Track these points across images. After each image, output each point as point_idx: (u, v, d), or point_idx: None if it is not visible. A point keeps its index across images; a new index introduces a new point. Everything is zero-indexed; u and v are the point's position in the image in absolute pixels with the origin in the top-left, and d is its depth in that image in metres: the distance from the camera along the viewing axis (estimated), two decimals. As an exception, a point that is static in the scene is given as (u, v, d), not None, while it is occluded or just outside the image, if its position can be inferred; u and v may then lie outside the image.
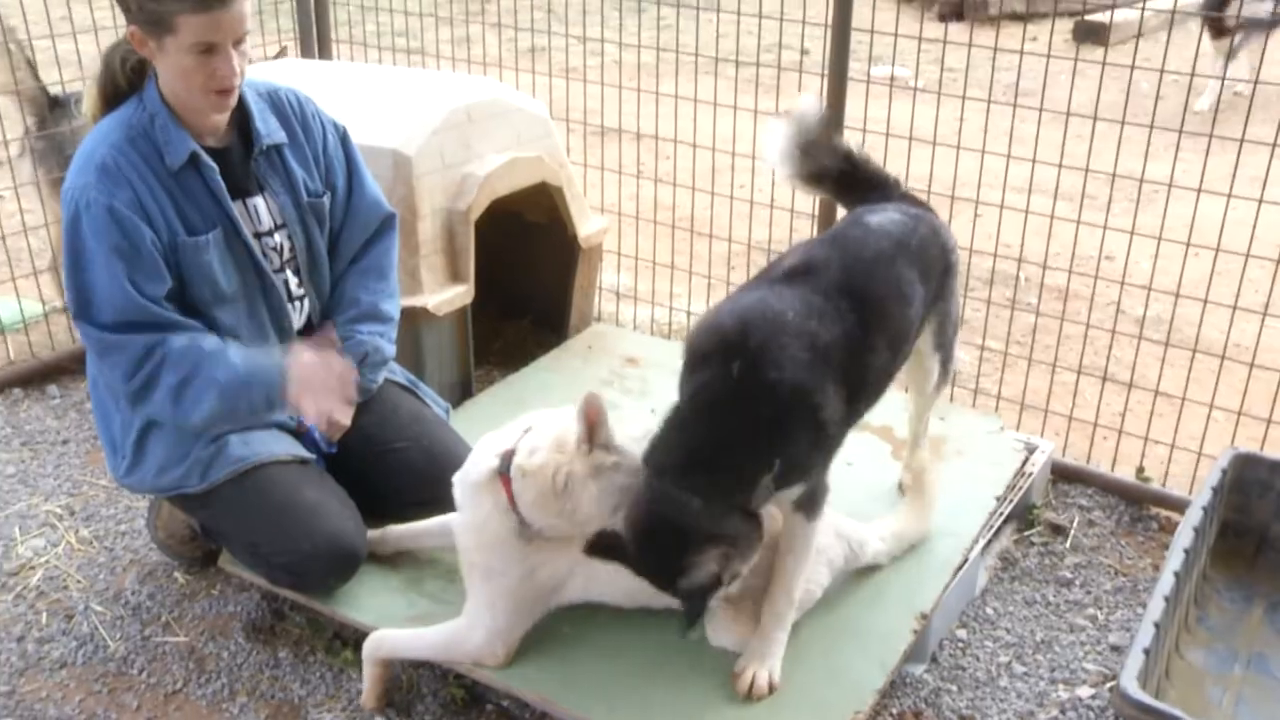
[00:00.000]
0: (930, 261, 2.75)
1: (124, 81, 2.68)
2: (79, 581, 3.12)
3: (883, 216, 2.74)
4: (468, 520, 2.59)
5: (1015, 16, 7.62)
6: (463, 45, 5.31)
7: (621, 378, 3.84)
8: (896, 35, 3.70)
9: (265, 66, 4.10)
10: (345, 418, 2.87)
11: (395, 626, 2.69)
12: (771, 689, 2.53)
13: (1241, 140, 3.19)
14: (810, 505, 2.52)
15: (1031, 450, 3.47)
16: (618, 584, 2.57)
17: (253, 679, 2.78)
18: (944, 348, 3.00)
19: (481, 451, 2.58)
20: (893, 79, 4.00)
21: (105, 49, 2.70)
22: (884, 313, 2.54)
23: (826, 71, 3.69)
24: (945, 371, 3.06)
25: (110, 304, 2.56)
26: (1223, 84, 3.21)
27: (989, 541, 3.14)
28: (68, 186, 2.60)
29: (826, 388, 2.35)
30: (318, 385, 2.73)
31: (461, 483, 2.60)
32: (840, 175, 2.92)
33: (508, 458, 2.48)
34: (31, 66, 4.19)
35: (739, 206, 4.16)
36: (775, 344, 2.32)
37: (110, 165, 2.57)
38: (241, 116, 2.77)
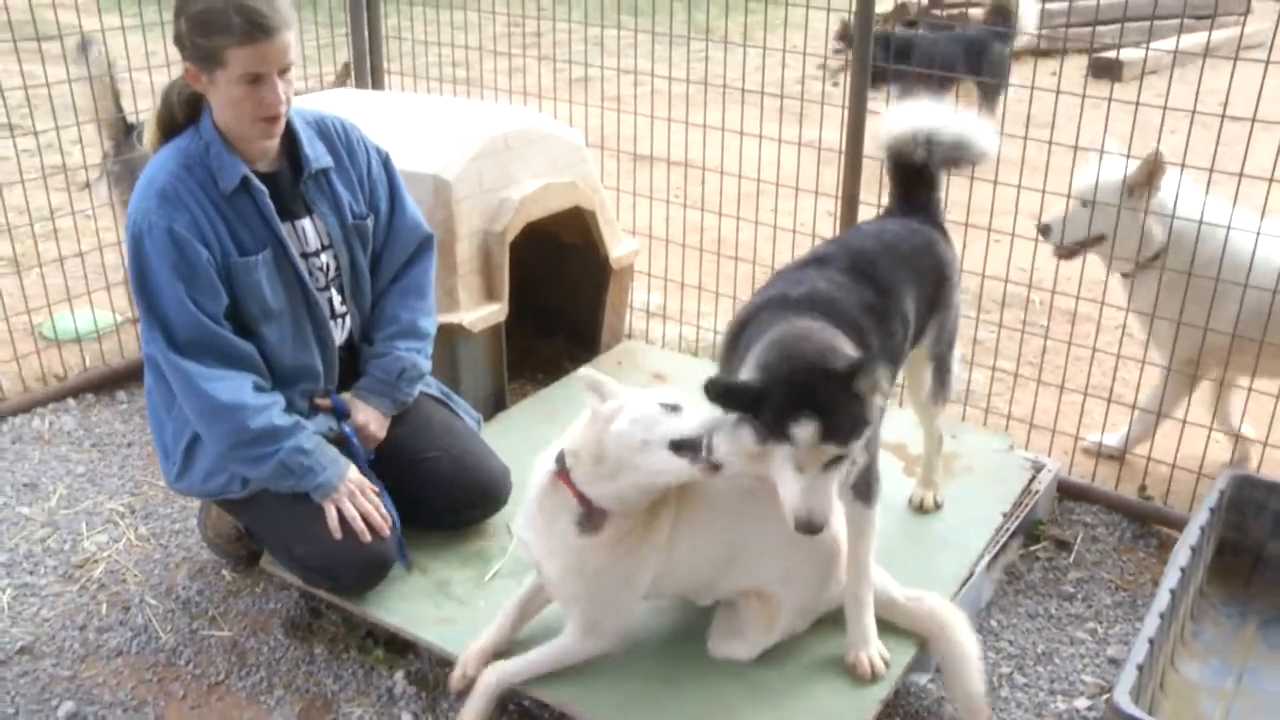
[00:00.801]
0: (922, 269, 2.73)
1: (180, 115, 2.70)
2: (136, 576, 3.14)
3: (879, 225, 2.83)
4: (545, 548, 2.48)
5: (1034, 53, 7.49)
6: (513, 76, 5.31)
7: (649, 392, 3.80)
8: (914, 70, 3.64)
9: (321, 93, 4.11)
10: (379, 431, 2.86)
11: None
12: (886, 664, 2.54)
13: (1240, 174, 3.10)
14: (865, 490, 2.49)
15: (1039, 468, 3.39)
16: (698, 577, 2.56)
17: (289, 673, 2.77)
18: (940, 358, 2.95)
19: (536, 472, 2.52)
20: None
21: (164, 87, 2.73)
22: (887, 292, 2.55)
23: (847, 104, 3.64)
24: (942, 383, 3.00)
25: (180, 324, 2.59)
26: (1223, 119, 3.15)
27: (995, 556, 3.07)
28: (131, 211, 2.62)
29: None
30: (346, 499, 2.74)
31: (527, 511, 2.54)
32: (917, 170, 2.89)
33: (560, 455, 2.45)
34: (116, 96, 4.23)
35: (764, 230, 4.12)
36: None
37: (169, 191, 2.59)
38: (290, 143, 2.77)
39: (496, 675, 2.50)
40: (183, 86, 2.66)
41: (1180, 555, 2.63)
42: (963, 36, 6.89)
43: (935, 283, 2.79)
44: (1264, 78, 2.97)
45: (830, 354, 2.16)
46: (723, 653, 2.59)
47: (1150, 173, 3.31)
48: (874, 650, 2.55)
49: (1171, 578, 2.55)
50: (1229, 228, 3.22)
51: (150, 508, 3.44)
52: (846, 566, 2.58)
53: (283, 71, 2.56)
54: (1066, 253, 3.56)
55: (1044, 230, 3.51)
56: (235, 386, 2.62)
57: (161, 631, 2.92)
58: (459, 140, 3.49)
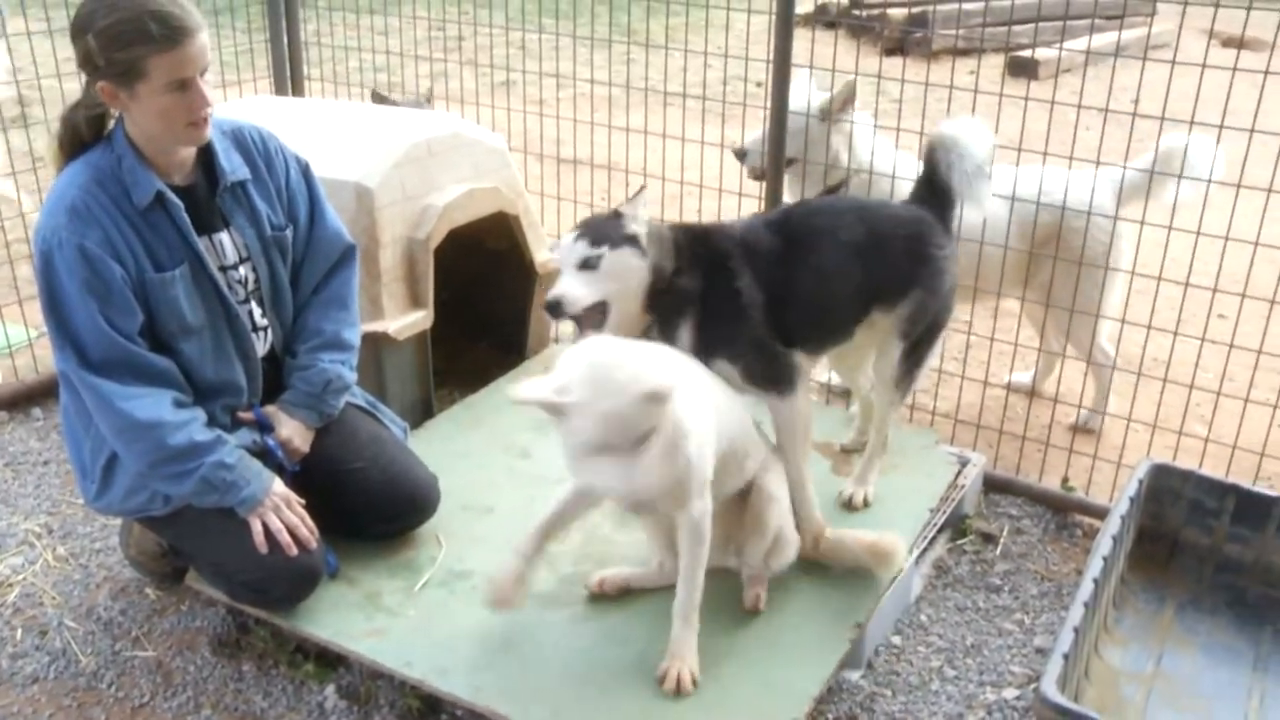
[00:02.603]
0: (889, 240, 2.94)
1: (88, 135, 2.62)
2: (54, 598, 3.06)
3: (862, 199, 3.26)
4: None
5: (954, 52, 7.65)
6: (435, 81, 5.28)
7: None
8: (834, 70, 3.69)
9: (280, 105, 4.05)
10: (303, 444, 2.83)
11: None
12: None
13: (1152, 171, 3.18)
14: (766, 381, 2.79)
15: (964, 463, 3.45)
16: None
17: (217, 692, 2.72)
18: (913, 345, 3.02)
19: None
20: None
21: (63, 113, 2.62)
22: (810, 246, 2.85)
23: (769, 104, 3.67)
24: (908, 373, 3.07)
25: (93, 343, 2.52)
26: (1134, 119, 3.31)
27: (923, 551, 3.11)
28: (39, 227, 2.54)
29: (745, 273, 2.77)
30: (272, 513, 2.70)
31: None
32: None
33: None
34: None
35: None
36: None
37: (80, 207, 2.52)
38: (206, 154, 2.72)
39: (681, 614, 2.51)
40: (89, 107, 2.58)
41: (1102, 544, 2.68)
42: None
43: (912, 258, 2.95)
44: (1170, 78, 3.05)
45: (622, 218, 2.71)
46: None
47: (845, 100, 3.58)
48: (813, 521, 2.88)
49: (1095, 567, 2.60)
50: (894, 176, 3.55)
51: (69, 527, 3.36)
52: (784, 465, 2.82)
53: (202, 73, 2.52)
54: (759, 173, 3.77)
55: (740, 154, 3.60)
56: (152, 404, 2.57)
57: (81, 654, 2.85)
58: (381, 147, 3.45)
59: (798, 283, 2.83)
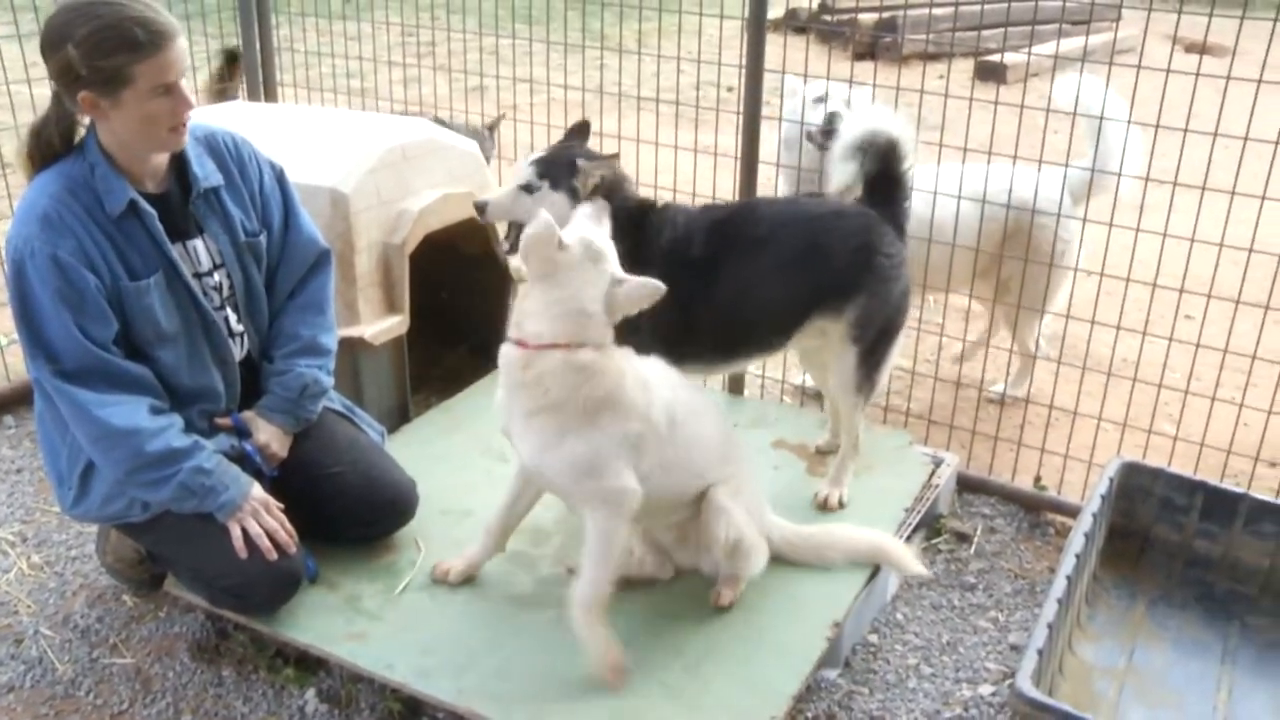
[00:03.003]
0: (831, 249, 3.01)
1: (60, 146, 2.61)
2: (29, 606, 3.04)
3: (816, 201, 3.23)
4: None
5: (923, 56, 7.73)
6: (408, 86, 5.28)
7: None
8: (806, 75, 3.73)
9: (254, 111, 4.04)
10: (280, 449, 2.84)
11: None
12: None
13: (1119, 174, 3.24)
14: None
15: (938, 463, 3.49)
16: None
17: (197, 698, 2.72)
18: (861, 341, 3.06)
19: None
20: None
21: (33, 127, 2.60)
22: (742, 253, 3.01)
23: (741, 109, 3.70)
24: (866, 377, 3.11)
25: (67, 353, 2.51)
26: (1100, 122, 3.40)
27: (898, 549, 3.15)
28: (11, 237, 2.53)
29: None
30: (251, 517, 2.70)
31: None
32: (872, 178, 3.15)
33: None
34: None
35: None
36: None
37: (53, 216, 2.51)
38: (179, 161, 2.72)
39: (585, 606, 2.52)
40: (60, 119, 2.57)
41: (1075, 542, 2.73)
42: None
43: (857, 266, 2.99)
44: (1136, 82, 3.11)
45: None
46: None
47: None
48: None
49: (1067, 564, 2.64)
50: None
51: (43, 535, 3.35)
52: None
53: (181, 75, 2.53)
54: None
55: (480, 208, 3.40)
56: (129, 411, 2.57)
57: (58, 662, 2.84)
58: (356, 153, 3.46)
59: (719, 287, 2.98)
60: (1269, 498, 2.94)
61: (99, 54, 2.41)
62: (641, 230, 2.99)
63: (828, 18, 10.08)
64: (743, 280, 2.99)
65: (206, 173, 2.75)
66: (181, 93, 2.52)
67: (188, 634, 2.91)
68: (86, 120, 2.59)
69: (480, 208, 3.13)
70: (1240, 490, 2.95)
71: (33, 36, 4.01)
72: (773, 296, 3.02)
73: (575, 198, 2.93)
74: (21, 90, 4.06)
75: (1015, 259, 3.61)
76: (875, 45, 8.39)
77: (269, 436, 2.85)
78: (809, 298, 3.03)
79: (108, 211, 2.56)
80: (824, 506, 3.22)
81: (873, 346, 3.08)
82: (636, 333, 2.73)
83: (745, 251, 3.01)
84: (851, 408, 3.18)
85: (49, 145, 2.60)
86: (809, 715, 2.70)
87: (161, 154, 2.65)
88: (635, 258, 2.75)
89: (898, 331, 3.14)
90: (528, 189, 3.01)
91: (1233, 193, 3.03)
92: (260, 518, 2.68)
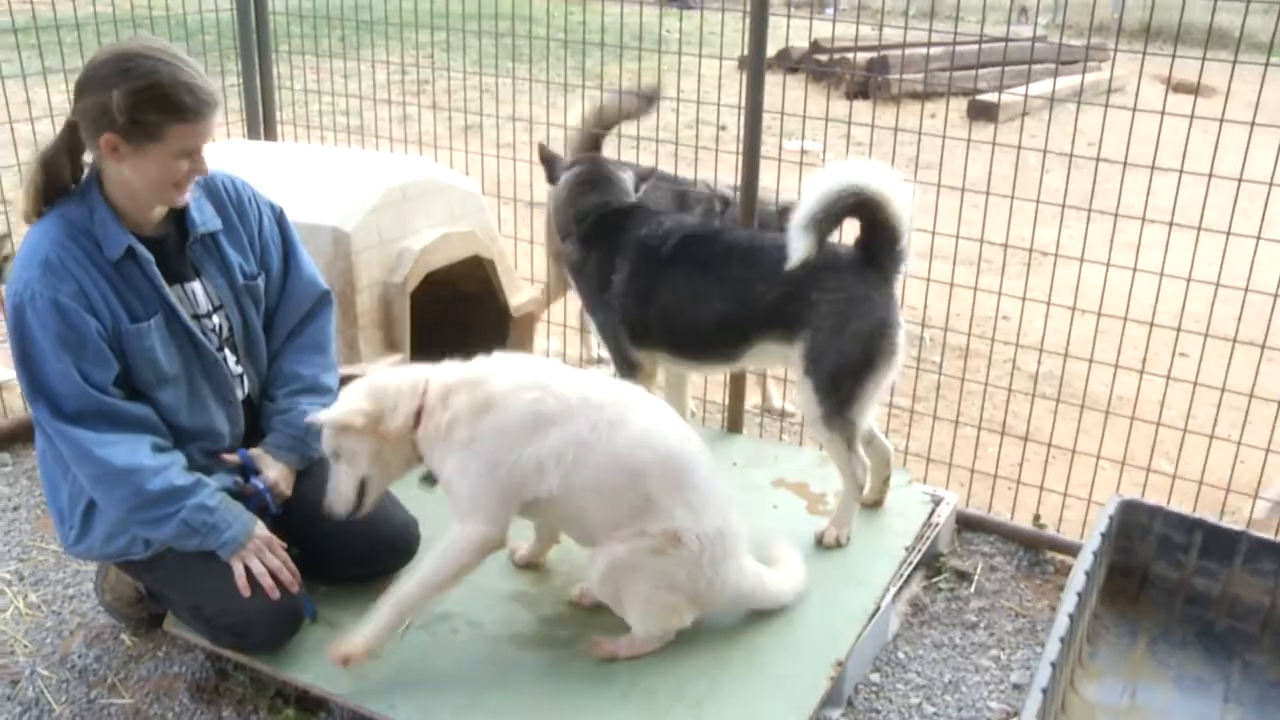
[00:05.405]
0: (764, 275, 3.17)
1: (70, 181, 2.65)
2: (26, 646, 3.05)
3: (767, 235, 3.39)
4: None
5: (915, 95, 7.83)
6: (405, 124, 5.34)
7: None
8: (805, 116, 3.80)
9: (255, 150, 4.08)
10: (287, 488, 2.86)
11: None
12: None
13: (1116, 214, 3.30)
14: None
15: (938, 502, 3.53)
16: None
17: (196, 738, 2.73)
18: (815, 375, 3.12)
19: None
20: (803, 152, 4.09)
21: (43, 158, 2.61)
22: (684, 266, 3.29)
23: (741, 148, 3.76)
24: (829, 409, 3.13)
25: (68, 396, 2.54)
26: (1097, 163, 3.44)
27: (900, 589, 3.18)
28: (12, 280, 2.56)
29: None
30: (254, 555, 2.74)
31: None
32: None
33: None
34: None
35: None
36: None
37: (54, 260, 2.54)
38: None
39: (393, 602, 2.64)
40: (72, 149, 2.61)
41: (1075, 580, 2.76)
42: None
43: (789, 295, 3.13)
44: (1132, 123, 3.18)
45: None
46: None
47: None
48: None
49: (1069, 602, 2.67)
50: None
51: (40, 573, 3.36)
52: None
53: (207, 143, 2.61)
54: None
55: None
56: (130, 449, 2.59)
57: (55, 703, 2.84)
58: (357, 192, 3.51)
59: (672, 289, 3.30)
60: (1268, 535, 2.98)
61: (144, 108, 2.46)
62: (627, 220, 3.39)
63: (819, 57, 10.22)
64: (692, 288, 3.27)
65: (205, 218, 2.79)
66: (201, 160, 2.59)
67: (187, 674, 2.92)
68: (90, 156, 2.63)
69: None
70: (1239, 528, 2.99)
71: (36, 75, 4.10)
72: (713, 308, 3.26)
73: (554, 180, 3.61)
74: (21, 128, 4.12)
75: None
76: (868, 84, 8.51)
77: (278, 474, 2.87)
78: (744, 320, 3.23)
79: (106, 255, 2.60)
80: (823, 544, 3.25)
81: (834, 382, 3.11)
82: (609, 309, 3.35)
83: (700, 264, 3.27)
84: (827, 442, 3.22)
85: (61, 181, 2.63)
86: (812, 755, 2.72)
87: (163, 206, 2.70)
88: (615, 244, 3.34)
89: (863, 371, 3.11)
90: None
91: (1228, 233, 3.09)
92: (264, 556, 2.70)
